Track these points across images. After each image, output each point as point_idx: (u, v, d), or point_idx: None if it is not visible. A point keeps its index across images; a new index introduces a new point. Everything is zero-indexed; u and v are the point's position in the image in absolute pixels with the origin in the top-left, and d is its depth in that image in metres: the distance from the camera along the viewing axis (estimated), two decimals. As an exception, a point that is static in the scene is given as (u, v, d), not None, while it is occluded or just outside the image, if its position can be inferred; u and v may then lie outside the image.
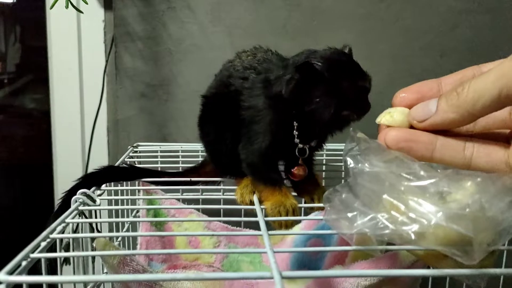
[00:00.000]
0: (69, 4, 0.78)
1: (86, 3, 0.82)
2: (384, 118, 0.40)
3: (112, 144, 1.12)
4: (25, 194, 1.45)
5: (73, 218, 0.50)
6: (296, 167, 0.60)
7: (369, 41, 1.04)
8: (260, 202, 0.58)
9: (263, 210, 0.56)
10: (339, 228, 0.38)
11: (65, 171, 1.15)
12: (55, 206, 0.62)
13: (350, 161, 0.39)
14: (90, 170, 1.07)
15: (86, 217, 0.56)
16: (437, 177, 0.34)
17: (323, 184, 0.70)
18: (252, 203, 0.59)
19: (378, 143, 0.39)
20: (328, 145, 0.77)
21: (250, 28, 1.03)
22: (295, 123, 0.56)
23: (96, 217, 0.59)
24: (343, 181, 0.78)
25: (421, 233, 0.33)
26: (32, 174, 1.41)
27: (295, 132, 0.57)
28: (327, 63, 0.52)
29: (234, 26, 1.03)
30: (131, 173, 0.72)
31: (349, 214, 0.36)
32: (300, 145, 0.58)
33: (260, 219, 0.50)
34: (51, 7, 0.78)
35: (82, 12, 0.87)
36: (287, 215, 0.55)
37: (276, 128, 0.57)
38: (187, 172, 0.76)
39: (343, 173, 0.80)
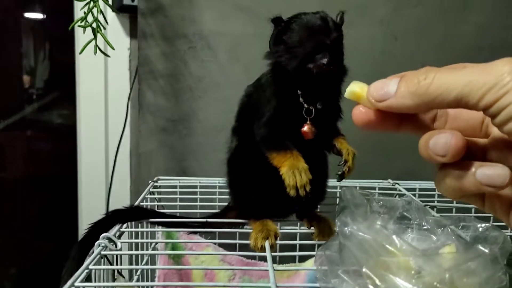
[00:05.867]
0: (97, 49, 0.84)
1: (113, 48, 0.88)
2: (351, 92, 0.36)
3: (134, 170, 1.19)
4: (50, 208, 1.49)
5: (95, 264, 0.53)
6: (305, 125, 0.62)
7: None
8: (278, 170, 0.60)
9: (272, 248, 0.60)
10: None
11: (89, 186, 1.23)
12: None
13: (339, 223, 0.41)
14: (113, 187, 1.15)
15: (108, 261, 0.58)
16: (415, 253, 0.36)
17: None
18: (264, 249, 0.61)
19: (365, 203, 0.41)
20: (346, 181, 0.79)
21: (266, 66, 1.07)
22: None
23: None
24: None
25: None
26: (57, 188, 1.46)
27: (299, 92, 0.61)
28: (297, 19, 0.61)
29: (251, 64, 1.07)
30: (153, 217, 0.74)
31: (333, 281, 0.39)
32: (306, 105, 0.61)
33: (268, 254, 0.55)
34: (81, 52, 0.84)
35: (109, 56, 0.94)
36: (301, 175, 0.58)
37: (280, 94, 0.63)
38: (209, 218, 0.77)
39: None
